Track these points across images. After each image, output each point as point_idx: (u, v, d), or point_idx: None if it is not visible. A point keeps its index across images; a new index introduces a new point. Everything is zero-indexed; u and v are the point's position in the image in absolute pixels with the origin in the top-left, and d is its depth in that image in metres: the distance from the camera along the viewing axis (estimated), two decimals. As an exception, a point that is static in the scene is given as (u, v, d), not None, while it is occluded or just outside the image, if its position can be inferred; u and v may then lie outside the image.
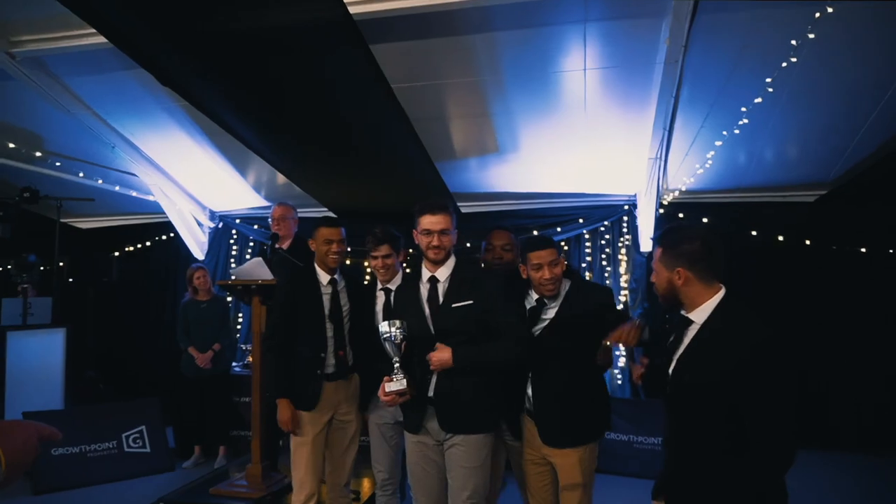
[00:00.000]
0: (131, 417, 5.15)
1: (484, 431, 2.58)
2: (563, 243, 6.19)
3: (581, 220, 6.10)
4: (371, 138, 4.52)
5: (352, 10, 3.10)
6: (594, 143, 5.20)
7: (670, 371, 1.99)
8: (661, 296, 2.06)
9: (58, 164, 5.85)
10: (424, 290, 2.68)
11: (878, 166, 5.07)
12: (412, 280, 2.76)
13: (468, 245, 6.16)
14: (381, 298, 3.15)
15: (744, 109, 4.33)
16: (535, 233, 6.09)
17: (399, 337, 2.58)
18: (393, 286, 3.09)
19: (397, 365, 2.57)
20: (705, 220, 5.73)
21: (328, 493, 3.22)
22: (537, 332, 2.63)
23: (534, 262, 2.62)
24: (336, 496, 3.21)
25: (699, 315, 1.96)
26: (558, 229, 6.12)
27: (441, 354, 2.53)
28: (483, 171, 5.83)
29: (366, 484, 3.77)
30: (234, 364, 5.64)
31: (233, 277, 3.67)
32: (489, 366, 2.56)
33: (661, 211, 5.84)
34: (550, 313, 2.66)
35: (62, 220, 5.82)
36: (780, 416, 1.77)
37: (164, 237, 7.05)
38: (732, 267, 5.45)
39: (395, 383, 2.56)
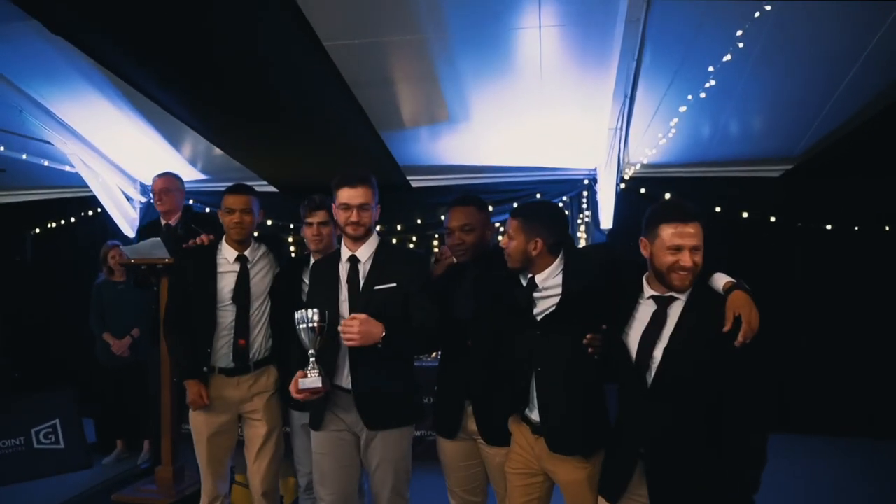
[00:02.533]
0: (43, 410, 4.68)
1: (407, 424, 2.48)
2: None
3: (538, 196, 5.74)
4: (301, 103, 4.09)
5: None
6: (551, 112, 4.83)
7: (658, 357, 1.91)
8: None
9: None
10: (344, 270, 2.44)
11: (844, 141, 4.82)
12: (330, 259, 2.49)
13: (419, 222, 5.80)
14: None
15: (711, 69, 3.99)
16: (490, 209, 5.75)
17: (317, 325, 2.28)
18: None
19: (313, 359, 2.29)
20: (668, 195, 5.44)
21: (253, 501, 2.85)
22: (540, 319, 2.21)
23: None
24: None
25: (685, 292, 1.94)
26: (514, 204, 5.76)
27: (369, 326, 2.23)
28: (434, 143, 5.42)
29: (291, 483, 3.39)
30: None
31: (131, 259, 3.21)
32: (410, 351, 2.45)
33: (623, 186, 5.54)
34: (550, 293, 2.22)
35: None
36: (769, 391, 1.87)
37: (90, 212, 6.48)
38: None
39: (310, 379, 2.28)
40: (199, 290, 2.69)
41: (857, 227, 5.27)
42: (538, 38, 4.05)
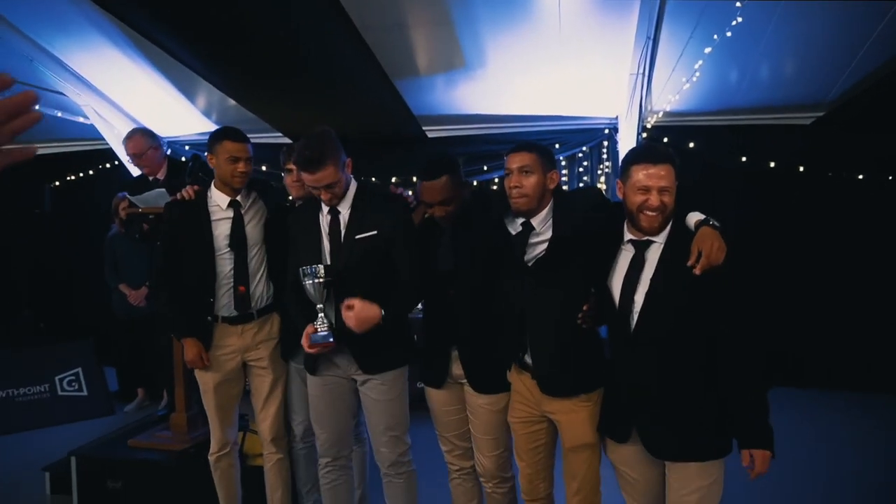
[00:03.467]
0: (66, 359, 4.80)
1: (401, 366, 2.50)
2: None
3: (557, 146, 5.55)
4: (307, 48, 3.98)
5: None
6: (570, 58, 4.64)
7: (639, 301, 1.94)
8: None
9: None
10: (325, 221, 2.43)
11: (880, 85, 4.57)
12: (310, 208, 2.46)
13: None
14: None
15: (739, 4, 3.76)
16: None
17: (323, 280, 2.30)
18: None
19: (322, 313, 2.33)
20: (692, 144, 5.26)
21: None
22: (531, 263, 2.18)
23: (505, 168, 2.19)
24: (265, 453, 2.86)
25: (660, 235, 1.96)
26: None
27: (367, 312, 2.26)
28: (450, 91, 5.27)
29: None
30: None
31: (139, 208, 3.16)
32: (406, 310, 2.51)
33: (644, 135, 5.35)
34: (542, 238, 2.18)
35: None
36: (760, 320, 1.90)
37: (107, 165, 6.48)
38: (718, 195, 5.08)
39: (321, 334, 2.32)
40: (193, 239, 2.63)
41: (890, 178, 5.04)
42: (556, -24, 3.86)
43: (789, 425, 2.51)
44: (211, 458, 2.81)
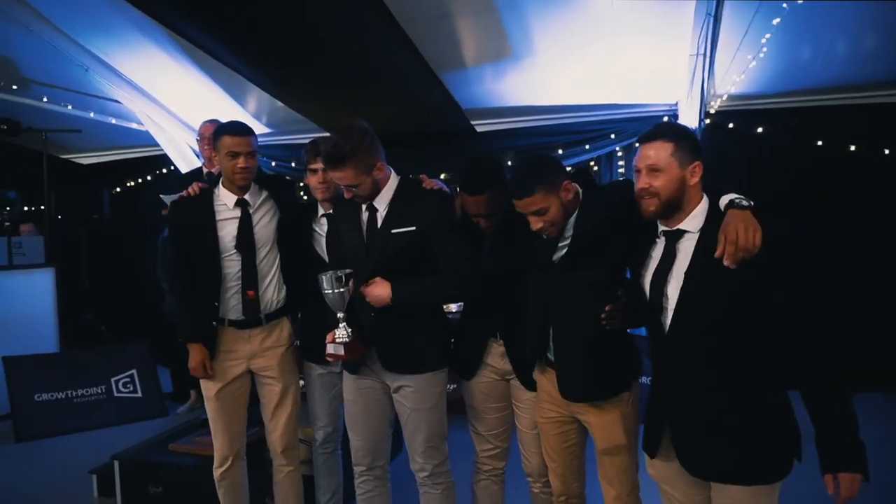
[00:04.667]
0: (122, 360, 4.88)
1: (432, 370, 2.33)
2: (591, 163, 5.47)
3: (613, 136, 5.31)
4: (345, 44, 3.88)
5: None
6: (624, 41, 4.36)
7: (673, 296, 1.73)
8: (665, 202, 1.72)
9: (44, 99, 5.43)
10: (365, 214, 2.32)
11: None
12: (353, 202, 2.34)
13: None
14: (323, 226, 2.60)
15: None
16: (560, 152, 5.39)
17: (343, 286, 2.20)
18: None
19: (343, 323, 2.24)
20: (760, 129, 4.89)
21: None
22: (556, 261, 2.07)
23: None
24: (276, 465, 2.72)
25: (692, 223, 1.74)
26: (587, 147, 5.37)
27: (378, 290, 2.19)
28: (498, 83, 5.07)
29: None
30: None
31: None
32: (430, 304, 2.35)
33: (707, 121, 5.01)
34: (566, 234, 2.08)
35: (61, 156, 5.42)
36: (820, 314, 1.60)
37: (164, 170, 6.63)
38: (792, 182, 4.68)
39: (339, 344, 2.23)
40: (199, 240, 2.50)
41: None
42: (605, -48, 3.61)
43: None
44: (215, 474, 2.65)
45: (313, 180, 2.55)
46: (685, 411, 1.74)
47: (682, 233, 1.75)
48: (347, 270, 2.23)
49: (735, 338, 1.67)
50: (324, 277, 2.19)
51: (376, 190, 2.27)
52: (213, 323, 2.52)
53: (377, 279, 2.21)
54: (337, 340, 2.23)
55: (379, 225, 2.28)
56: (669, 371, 1.78)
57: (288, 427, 2.67)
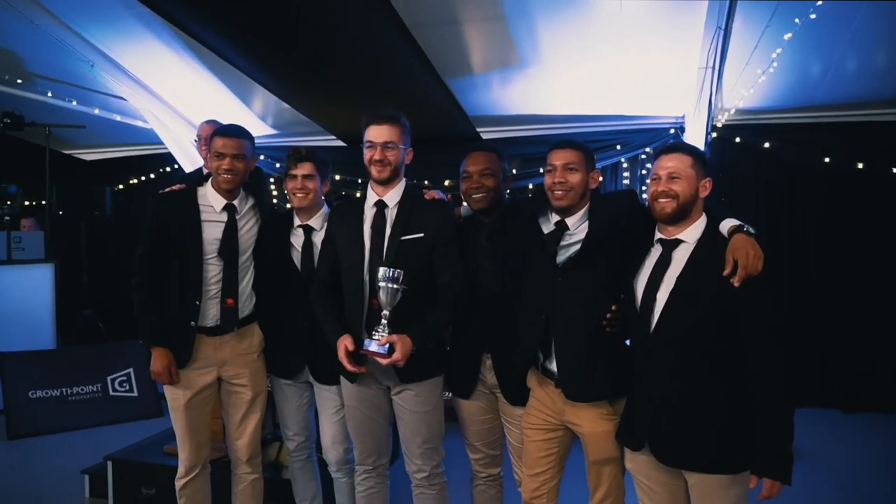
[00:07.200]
0: (118, 359, 4.83)
1: (433, 375, 2.38)
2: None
3: (619, 147, 5.29)
4: (358, 49, 3.86)
5: None
6: (632, 52, 4.34)
7: (661, 300, 1.90)
8: (681, 205, 1.92)
9: (49, 93, 5.41)
10: (369, 215, 2.31)
11: None
12: (355, 203, 2.37)
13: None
14: (299, 237, 2.56)
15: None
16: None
17: (399, 284, 2.15)
18: (315, 224, 2.56)
19: (385, 321, 2.19)
20: (767, 144, 4.86)
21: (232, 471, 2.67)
22: (561, 262, 2.13)
23: (548, 164, 2.18)
24: (239, 473, 2.63)
25: (691, 235, 1.93)
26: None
27: (404, 351, 2.15)
28: (505, 90, 5.04)
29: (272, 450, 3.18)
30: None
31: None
32: (444, 326, 2.38)
33: (714, 135, 4.98)
34: (575, 238, 2.14)
35: (64, 152, 5.39)
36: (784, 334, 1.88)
37: (167, 169, 6.61)
38: (797, 200, 4.66)
39: (376, 339, 2.17)
40: (180, 239, 2.41)
41: None
42: (616, -38, 3.59)
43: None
44: (177, 484, 2.53)
45: (291, 185, 2.51)
46: (661, 407, 1.91)
47: (678, 242, 1.93)
48: (400, 269, 2.16)
49: (713, 342, 1.85)
50: (382, 270, 2.15)
51: (396, 172, 2.30)
52: (192, 323, 2.41)
53: (396, 343, 2.13)
54: (374, 337, 2.16)
55: (388, 228, 2.28)
56: (650, 369, 1.94)
57: (255, 435, 2.61)
